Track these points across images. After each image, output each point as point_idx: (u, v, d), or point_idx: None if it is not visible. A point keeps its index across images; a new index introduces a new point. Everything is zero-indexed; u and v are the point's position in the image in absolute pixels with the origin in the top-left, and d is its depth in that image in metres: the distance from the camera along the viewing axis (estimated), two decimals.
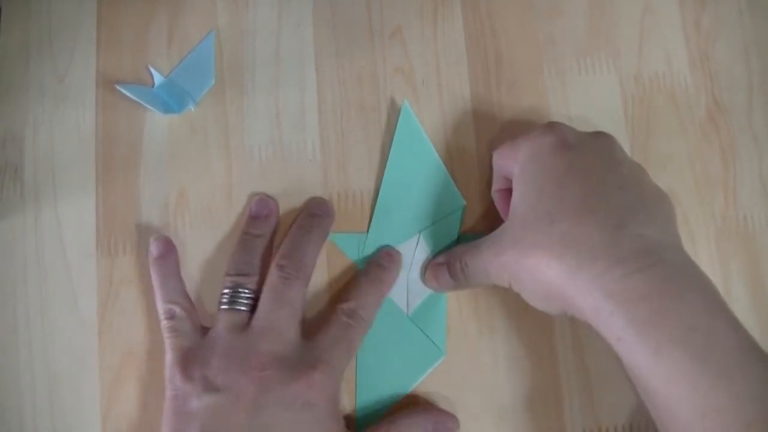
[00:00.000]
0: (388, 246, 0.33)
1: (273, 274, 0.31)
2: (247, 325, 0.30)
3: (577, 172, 0.27)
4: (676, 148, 0.35)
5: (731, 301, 0.32)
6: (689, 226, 0.34)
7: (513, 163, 0.29)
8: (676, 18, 0.36)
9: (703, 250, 0.34)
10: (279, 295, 0.30)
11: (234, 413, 0.27)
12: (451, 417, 0.31)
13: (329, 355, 0.29)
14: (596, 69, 0.35)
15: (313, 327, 0.31)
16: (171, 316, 0.31)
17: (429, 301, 0.33)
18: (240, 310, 0.30)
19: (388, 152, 0.34)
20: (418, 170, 0.34)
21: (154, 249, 0.33)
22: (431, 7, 0.36)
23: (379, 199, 0.34)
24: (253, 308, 0.31)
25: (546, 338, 0.33)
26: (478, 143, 0.35)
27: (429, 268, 0.32)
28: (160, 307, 0.32)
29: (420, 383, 0.32)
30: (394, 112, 0.35)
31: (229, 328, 0.30)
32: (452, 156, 0.34)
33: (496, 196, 0.32)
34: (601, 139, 0.29)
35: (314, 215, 0.33)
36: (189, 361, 0.29)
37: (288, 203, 0.34)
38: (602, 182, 0.26)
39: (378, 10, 0.36)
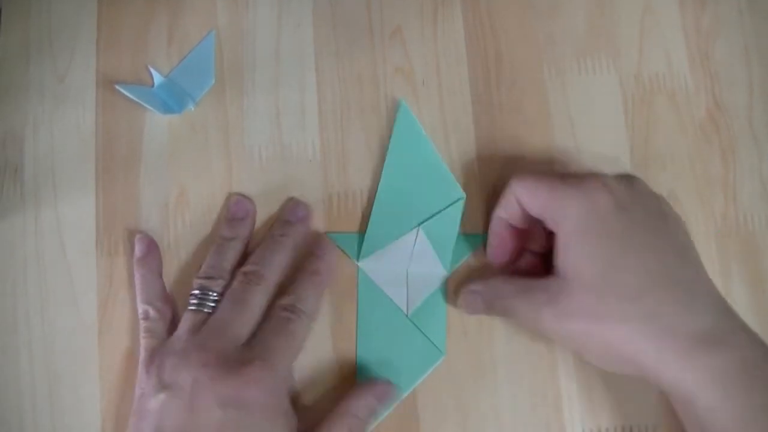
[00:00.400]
0: (321, 234, 0.33)
1: (236, 280, 0.31)
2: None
3: (642, 239, 0.27)
4: (676, 148, 0.35)
5: (731, 301, 0.32)
6: (689, 226, 0.34)
7: (554, 211, 0.28)
8: (676, 18, 0.36)
9: (703, 250, 0.34)
10: (237, 298, 0.30)
11: (177, 410, 0.27)
12: (388, 384, 0.31)
13: (267, 352, 0.29)
14: (596, 69, 0.35)
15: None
16: (146, 317, 0.32)
17: (429, 300, 0.33)
18: (205, 312, 0.30)
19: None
20: (416, 165, 0.34)
21: (137, 249, 0.33)
22: (431, 7, 0.36)
23: (377, 196, 0.34)
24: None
25: (546, 338, 0.33)
26: (478, 143, 0.35)
27: (463, 294, 0.32)
28: (139, 307, 0.32)
29: (420, 383, 0.32)
30: (394, 113, 0.35)
31: (190, 328, 0.30)
32: (452, 156, 0.34)
33: (498, 223, 0.31)
34: (645, 194, 0.29)
35: (287, 222, 0.33)
36: (151, 360, 0.30)
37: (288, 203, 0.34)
38: (667, 250, 0.27)
39: (378, 10, 0.36)
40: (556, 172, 0.33)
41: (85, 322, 0.33)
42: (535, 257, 0.32)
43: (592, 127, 0.35)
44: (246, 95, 0.35)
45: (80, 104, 0.35)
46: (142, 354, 0.31)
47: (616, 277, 0.26)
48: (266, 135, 0.35)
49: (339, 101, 0.35)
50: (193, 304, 0.31)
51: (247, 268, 0.31)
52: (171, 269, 0.34)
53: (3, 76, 0.36)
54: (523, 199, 0.30)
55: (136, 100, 0.34)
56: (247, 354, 0.29)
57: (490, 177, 0.34)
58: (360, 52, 0.36)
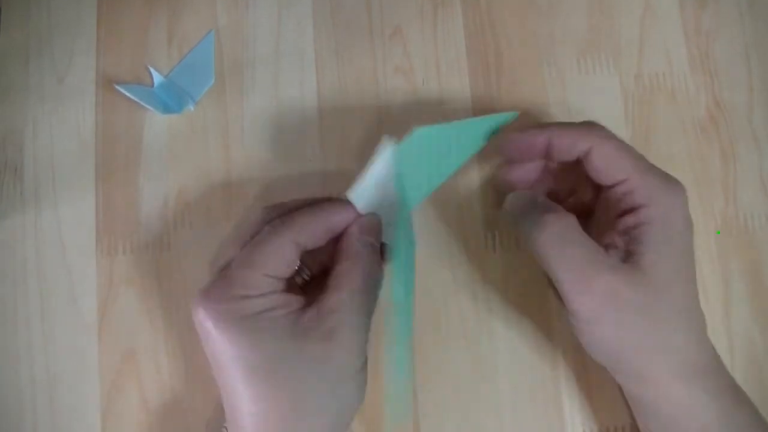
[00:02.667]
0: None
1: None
2: None
3: (691, 260, 0.27)
4: (676, 148, 0.35)
5: (731, 300, 0.32)
6: None
7: (638, 192, 0.27)
8: (676, 18, 0.36)
9: (703, 250, 0.34)
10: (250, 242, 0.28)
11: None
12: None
13: (236, 257, 0.27)
14: (596, 69, 0.35)
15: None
16: None
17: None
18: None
19: None
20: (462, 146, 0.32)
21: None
22: (431, 7, 0.36)
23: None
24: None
25: (546, 338, 0.33)
26: None
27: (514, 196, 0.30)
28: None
29: (420, 383, 0.32)
30: (393, 113, 0.35)
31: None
32: None
33: (536, 136, 0.29)
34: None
35: (327, 207, 0.29)
36: None
37: None
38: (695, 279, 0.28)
39: (378, 10, 0.36)
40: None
41: (85, 322, 0.33)
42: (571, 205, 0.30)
43: None
44: (246, 95, 0.35)
45: (80, 104, 0.35)
46: None
47: (678, 291, 0.26)
48: (266, 135, 0.35)
49: (339, 101, 0.35)
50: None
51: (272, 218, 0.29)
52: (171, 269, 0.34)
53: (3, 76, 0.36)
54: (598, 159, 0.28)
55: (136, 100, 0.34)
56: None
57: (490, 177, 0.34)
58: (360, 52, 0.36)
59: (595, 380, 0.32)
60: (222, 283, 0.26)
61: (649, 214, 0.26)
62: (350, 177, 0.34)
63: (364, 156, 0.34)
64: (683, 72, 0.36)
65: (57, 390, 0.33)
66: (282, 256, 0.27)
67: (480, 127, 0.32)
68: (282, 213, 0.29)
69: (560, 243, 0.27)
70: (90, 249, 0.34)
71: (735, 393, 0.27)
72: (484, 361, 0.33)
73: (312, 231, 0.28)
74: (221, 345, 0.25)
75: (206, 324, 0.26)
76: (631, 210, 0.27)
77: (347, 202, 0.29)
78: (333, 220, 0.29)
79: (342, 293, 0.27)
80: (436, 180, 0.32)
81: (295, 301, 0.27)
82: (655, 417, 0.28)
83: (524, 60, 0.35)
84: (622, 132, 0.35)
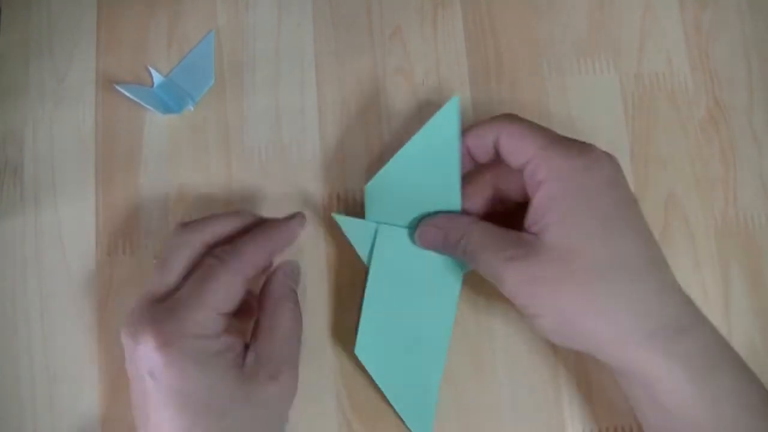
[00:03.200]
0: (300, 212, 0.31)
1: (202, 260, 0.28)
2: None
3: (623, 221, 0.26)
4: (676, 148, 0.35)
5: (731, 300, 0.32)
6: (689, 226, 0.34)
7: (541, 168, 0.27)
8: (676, 18, 0.36)
9: (703, 250, 0.34)
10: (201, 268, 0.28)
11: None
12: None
13: (175, 303, 0.27)
14: (596, 69, 0.35)
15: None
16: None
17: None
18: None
19: (388, 153, 0.34)
20: (430, 170, 0.30)
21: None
22: (431, 7, 0.36)
23: (377, 176, 0.31)
24: None
25: (547, 338, 0.33)
26: None
27: (422, 227, 0.30)
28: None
29: None
30: (393, 113, 0.35)
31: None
32: None
33: (464, 157, 0.29)
34: (623, 176, 0.28)
35: (273, 228, 0.30)
36: None
37: (287, 203, 0.34)
38: (642, 236, 0.27)
39: (378, 10, 0.36)
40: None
41: (85, 322, 0.33)
42: (507, 205, 0.31)
43: (592, 127, 0.35)
44: (246, 95, 0.35)
45: (80, 104, 0.35)
46: None
47: (593, 252, 0.26)
48: (266, 135, 0.35)
49: (339, 101, 0.35)
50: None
51: (216, 250, 0.29)
52: None
53: (3, 76, 0.36)
54: (505, 144, 0.28)
55: (136, 100, 0.34)
56: (157, 309, 0.27)
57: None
58: (360, 52, 0.36)
59: (595, 381, 0.32)
60: (175, 319, 0.26)
61: (550, 188, 0.26)
62: (351, 177, 0.34)
63: (364, 156, 0.34)
64: (683, 72, 0.36)
65: (57, 390, 0.33)
66: (233, 293, 0.28)
67: (431, 137, 0.30)
68: (210, 234, 0.29)
69: (478, 251, 0.28)
70: (90, 249, 0.34)
71: (710, 354, 0.26)
72: (484, 361, 0.33)
73: (258, 262, 0.29)
74: (169, 379, 0.25)
75: (154, 355, 0.25)
76: (538, 188, 0.27)
77: (287, 222, 0.31)
78: (277, 247, 0.30)
79: (277, 340, 0.28)
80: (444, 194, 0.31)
81: (238, 343, 0.28)
82: (629, 387, 0.27)
83: (524, 60, 0.35)
84: (622, 132, 0.35)
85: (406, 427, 0.31)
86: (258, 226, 0.30)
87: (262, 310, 0.29)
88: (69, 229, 0.34)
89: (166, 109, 0.35)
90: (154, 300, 0.27)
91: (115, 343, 0.33)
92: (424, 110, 0.35)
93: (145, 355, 0.26)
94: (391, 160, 0.30)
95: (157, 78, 0.35)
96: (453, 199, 0.30)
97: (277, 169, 0.34)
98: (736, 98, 0.35)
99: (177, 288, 0.27)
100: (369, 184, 0.31)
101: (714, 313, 0.33)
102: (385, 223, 0.32)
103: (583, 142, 0.27)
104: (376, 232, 0.32)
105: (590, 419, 0.32)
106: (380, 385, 0.31)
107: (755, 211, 0.34)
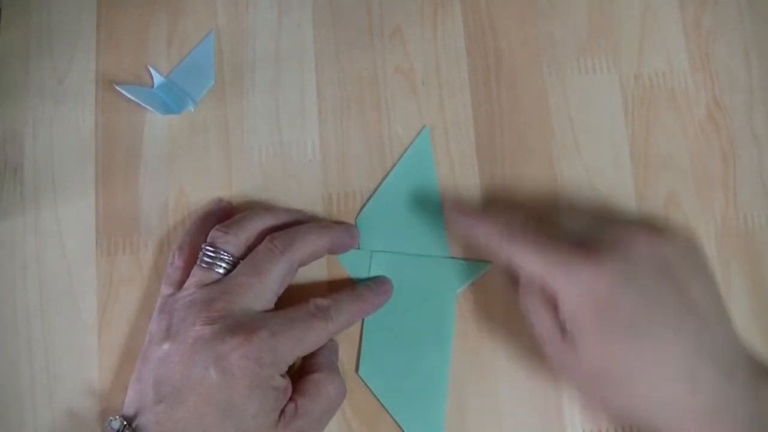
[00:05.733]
0: (385, 277, 0.33)
1: (262, 244, 0.30)
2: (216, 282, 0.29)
3: (658, 316, 0.25)
4: (676, 148, 0.35)
5: (731, 301, 0.32)
6: (689, 227, 0.34)
7: (550, 288, 0.27)
8: (676, 18, 0.36)
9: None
10: (257, 265, 0.29)
11: (176, 363, 0.27)
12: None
13: (278, 329, 0.28)
14: (596, 69, 0.35)
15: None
16: (171, 263, 0.31)
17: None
18: (216, 272, 0.30)
19: (388, 152, 0.34)
20: (413, 199, 0.34)
21: (211, 205, 0.34)
22: (431, 7, 0.36)
23: (364, 209, 0.34)
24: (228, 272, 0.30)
25: None
26: (478, 143, 0.35)
27: (458, 210, 0.32)
28: (172, 249, 0.32)
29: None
30: (393, 113, 0.35)
31: (197, 283, 0.29)
32: (452, 157, 0.34)
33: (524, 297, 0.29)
34: (648, 253, 0.26)
35: (337, 224, 0.33)
36: (163, 308, 0.30)
37: (287, 203, 0.34)
38: (692, 319, 0.26)
39: (378, 11, 0.36)
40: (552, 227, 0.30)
41: (85, 322, 0.33)
42: None
43: (592, 127, 0.35)
44: (246, 95, 0.35)
45: (80, 104, 0.35)
46: (159, 299, 0.30)
47: (623, 361, 0.25)
48: (266, 135, 0.35)
49: (339, 101, 0.35)
50: (205, 263, 0.30)
51: (276, 234, 0.30)
52: None
53: (3, 76, 0.36)
54: (518, 263, 0.28)
55: (136, 100, 0.34)
56: (256, 322, 0.28)
57: (489, 177, 0.34)
58: (360, 52, 0.36)
59: None
60: (271, 343, 0.28)
61: (563, 310, 0.26)
62: (350, 177, 0.34)
63: (364, 156, 0.34)
64: (683, 72, 0.36)
65: (57, 390, 0.33)
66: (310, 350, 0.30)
67: (409, 168, 0.34)
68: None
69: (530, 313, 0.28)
70: (90, 249, 0.34)
71: None
72: (484, 363, 0.33)
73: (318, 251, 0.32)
74: (238, 389, 0.27)
75: (243, 361, 0.27)
76: (557, 298, 0.27)
77: (349, 228, 0.33)
78: (336, 245, 0.32)
79: (320, 404, 0.29)
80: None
81: (290, 389, 0.29)
82: None
83: (524, 60, 0.35)
84: (622, 132, 0.35)
85: None
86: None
87: (310, 375, 0.30)
88: (69, 229, 0.34)
89: (166, 109, 0.35)
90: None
91: (115, 343, 0.33)
92: (424, 110, 0.35)
93: (226, 356, 0.27)
94: (376, 193, 0.34)
95: (157, 78, 0.35)
96: (437, 224, 0.33)
97: (277, 169, 0.34)
98: (736, 98, 0.35)
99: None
100: (358, 216, 0.34)
101: None
102: (378, 251, 0.33)
103: (580, 256, 0.26)
104: (370, 259, 0.33)
105: (590, 419, 0.32)
106: (386, 406, 0.32)
107: (755, 211, 0.34)
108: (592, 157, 0.34)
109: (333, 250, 0.32)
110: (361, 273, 0.33)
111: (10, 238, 0.34)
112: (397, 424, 0.32)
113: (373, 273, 0.33)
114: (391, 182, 0.34)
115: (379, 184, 0.34)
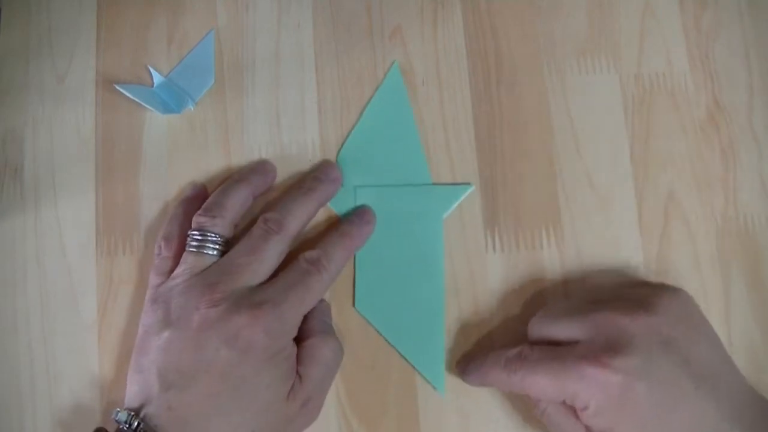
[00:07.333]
0: (364, 205, 0.33)
1: (256, 226, 0.30)
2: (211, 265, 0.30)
3: (663, 412, 0.26)
4: (676, 148, 0.35)
5: (731, 301, 0.32)
6: (689, 226, 0.34)
7: (562, 397, 0.27)
8: (676, 18, 0.36)
9: (703, 250, 0.34)
10: (254, 244, 0.30)
11: (182, 348, 0.27)
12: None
13: (280, 298, 0.28)
14: (596, 69, 0.35)
15: None
16: (158, 253, 0.31)
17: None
18: (206, 255, 0.30)
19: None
20: (391, 133, 0.34)
21: (188, 191, 0.34)
22: (431, 7, 0.36)
23: (344, 148, 0.34)
24: (222, 254, 0.30)
25: None
26: (478, 143, 0.35)
27: (465, 372, 0.31)
28: (156, 242, 0.32)
29: (419, 383, 0.32)
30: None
31: (189, 270, 0.29)
32: (452, 156, 0.34)
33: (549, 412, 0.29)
34: (647, 339, 0.27)
35: (317, 179, 0.33)
36: (155, 298, 0.30)
37: None
38: (700, 396, 0.26)
39: (378, 10, 0.36)
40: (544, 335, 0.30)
41: (85, 322, 0.33)
42: None
43: (592, 127, 0.35)
44: (246, 95, 0.35)
45: (80, 104, 0.35)
46: (148, 291, 0.31)
47: None
48: (266, 135, 0.35)
49: (339, 101, 0.35)
50: (193, 246, 0.30)
51: (268, 214, 0.30)
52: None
53: (3, 76, 0.36)
54: (534, 394, 0.28)
55: (136, 100, 0.34)
56: (257, 296, 0.28)
57: (489, 177, 0.34)
58: (360, 52, 0.36)
59: None
60: (277, 314, 0.28)
61: (587, 414, 0.27)
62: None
63: None
64: (683, 72, 0.36)
65: (57, 390, 0.33)
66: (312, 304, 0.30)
67: (384, 103, 0.35)
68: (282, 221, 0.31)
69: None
70: (90, 249, 0.34)
71: None
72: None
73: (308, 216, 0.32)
74: (251, 364, 0.27)
75: (255, 336, 0.27)
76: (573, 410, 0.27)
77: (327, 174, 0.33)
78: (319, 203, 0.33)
79: (318, 368, 0.30)
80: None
81: (295, 352, 0.29)
82: None
83: (524, 60, 0.35)
84: (622, 132, 0.35)
85: (419, 373, 0.32)
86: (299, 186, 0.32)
87: (305, 341, 0.30)
88: (69, 229, 0.34)
89: (166, 109, 0.35)
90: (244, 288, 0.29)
91: (116, 342, 0.33)
92: (424, 110, 0.35)
93: (238, 332, 0.27)
94: (354, 130, 0.34)
95: (157, 78, 0.35)
96: (416, 154, 0.34)
97: (277, 169, 0.34)
98: (736, 98, 0.35)
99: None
100: (339, 154, 0.34)
101: (714, 313, 0.33)
102: (361, 186, 0.34)
103: (594, 353, 0.27)
104: (355, 194, 0.33)
105: None
106: (386, 336, 0.32)
107: (755, 211, 0.34)
108: (592, 157, 0.34)
109: (322, 205, 0.33)
110: (347, 209, 0.34)
111: (10, 238, 0.34)
112: (399, 411, 0.32)
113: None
114: (368, 117, 0.34)
115: (356, 121, 0.34)
